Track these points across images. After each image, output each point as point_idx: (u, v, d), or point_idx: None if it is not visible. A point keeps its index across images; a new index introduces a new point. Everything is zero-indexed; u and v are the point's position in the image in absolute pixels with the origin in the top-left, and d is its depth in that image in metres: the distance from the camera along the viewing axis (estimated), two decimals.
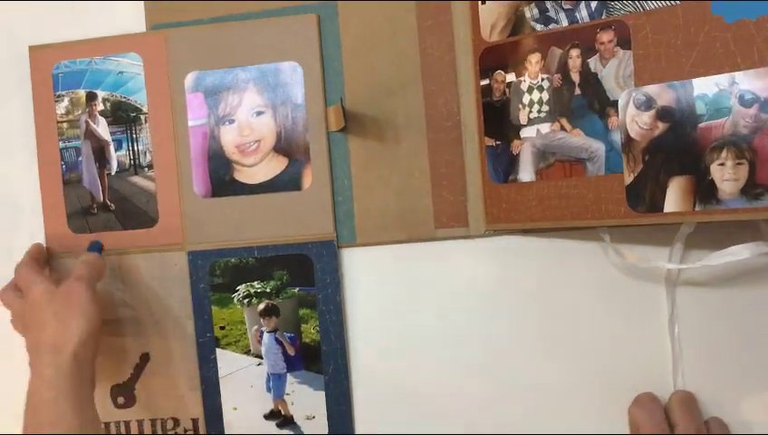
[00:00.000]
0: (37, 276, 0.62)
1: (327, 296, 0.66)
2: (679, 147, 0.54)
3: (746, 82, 0.52)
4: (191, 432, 0.68)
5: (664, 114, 0.55)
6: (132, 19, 0.69)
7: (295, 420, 0.67)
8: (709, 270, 0.60)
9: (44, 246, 0.69)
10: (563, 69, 0.60)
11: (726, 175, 0.53)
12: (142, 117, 0.67)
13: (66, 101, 0.68)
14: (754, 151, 0.52)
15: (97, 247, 0.67)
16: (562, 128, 0.60)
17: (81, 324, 0.59)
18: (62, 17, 0.71)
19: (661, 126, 0.55)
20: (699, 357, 0.61)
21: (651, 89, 0.55)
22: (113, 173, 0.68)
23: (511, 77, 0.62)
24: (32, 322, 0.61)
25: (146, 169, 0.68)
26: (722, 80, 0.53)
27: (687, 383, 0.61)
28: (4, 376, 0.73)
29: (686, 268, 0.60)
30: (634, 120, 0.57)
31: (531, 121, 0.61)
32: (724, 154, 0.53)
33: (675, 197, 0.55)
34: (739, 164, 0.52)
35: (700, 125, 0.54)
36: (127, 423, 0.69)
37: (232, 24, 0.67)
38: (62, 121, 0.68)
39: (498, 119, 0.63)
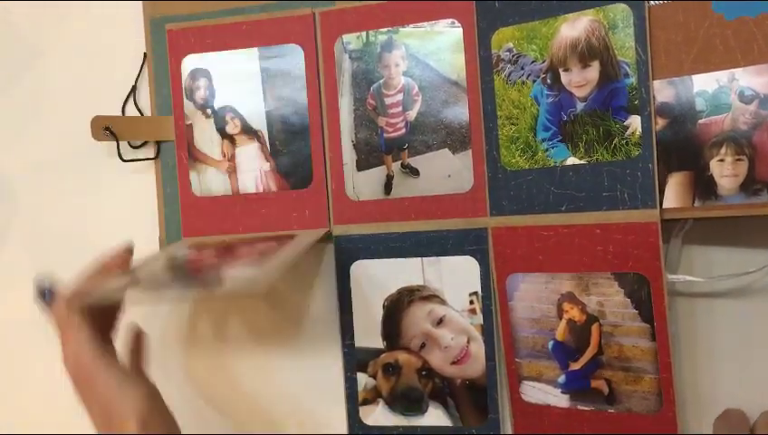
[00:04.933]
0: (83, 323, 0.55)
1: None
2: (679, 143, 0.55)
3: (746, 78, 0.52)
4: None
5: (663, 110, 0.55)
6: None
7: None
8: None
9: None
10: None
11: (726, 171, 0.53)
12: None
13: None
14: (754, 147, 0.52)
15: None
16: None
17: (137, 398, 0.53)
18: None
19: (661, 122, 0.55)
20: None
21: (651, 85, 0.56)
22: None
23: None
24: (85, 385, 0.54)
25: None
26: (722, 76, 0.53)
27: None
28: (5, 376, 0.73)
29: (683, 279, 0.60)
30: None
31: None
32: (723, 150, 0.53)
33: (674, 192, 0.55)
34: (738, 160, 0.53)
35: (700, 121, 0.54)
36: None
37: None
38: None
39: None
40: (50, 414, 0.73)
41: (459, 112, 0.62)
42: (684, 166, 0.55)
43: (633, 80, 0.56)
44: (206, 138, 0.68)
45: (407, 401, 0.65)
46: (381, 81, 0.64)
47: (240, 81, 0.67)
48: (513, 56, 0.60)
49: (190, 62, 0.67)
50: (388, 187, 0.65)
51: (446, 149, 0.63)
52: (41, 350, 0.73)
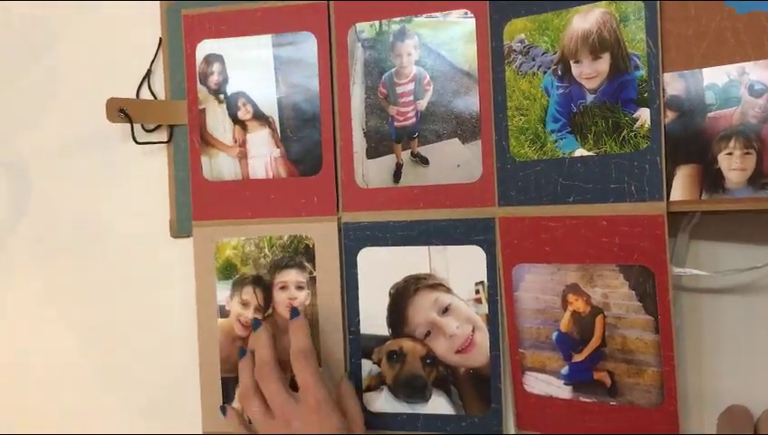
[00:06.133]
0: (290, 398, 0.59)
1: None
2: (688, 136, 0.55)
3: (756, 72, 0.52)
4: None
5: (673, 103, 0.55)
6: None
7: None
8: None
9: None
10: None
11: (734, 164, 0.53)
12: None
13: None
14: (762, 141, 0.52)
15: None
16: None
17: None
18: None
19: (670, 115, 0.55)
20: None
21: (662, 78, 0.56)
22: None
23: None
24: None
25: None
26: (732, 70, 0.53)
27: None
28: (5, 376, 0.74)
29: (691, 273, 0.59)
30: None
31: None
32: (732, 144, 0.53)
33: (682, 185, 0.55)
34: (747, 154, 0.53)
35: (709, 114, 0.54)
36: None
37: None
38: None
39: None
40: (50, 414, 0.74)
41: (470, 103, 0.63)
42: (692, 159, 0.55)
43: (643, 72, 0.56)
44: (218, 123, 0.69)
45: (410, 389, 0.66)
46: (393, 70, 0.65)
47: (253, 67, 0.68)
48: (524, 47, 0.60)
49: (205, 48, 0.68)
50: (397, 175, 0.65)
51: (456, 139, 0.63)
52: (46, 338, 0.74)
